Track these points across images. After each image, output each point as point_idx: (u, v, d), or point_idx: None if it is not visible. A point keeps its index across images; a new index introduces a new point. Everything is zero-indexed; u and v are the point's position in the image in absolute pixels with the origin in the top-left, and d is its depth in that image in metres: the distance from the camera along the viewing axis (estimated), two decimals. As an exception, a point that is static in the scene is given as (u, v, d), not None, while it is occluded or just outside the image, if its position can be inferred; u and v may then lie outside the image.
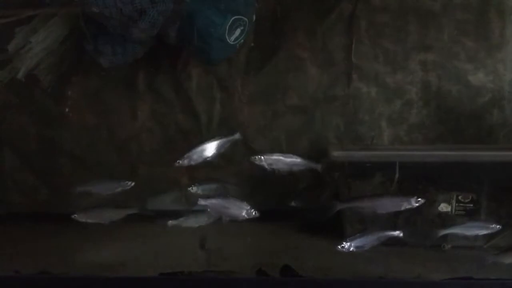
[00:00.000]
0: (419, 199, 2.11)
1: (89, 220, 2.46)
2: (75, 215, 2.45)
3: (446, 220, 2.52)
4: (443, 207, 2.54)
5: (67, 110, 3.01)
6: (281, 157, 2.22)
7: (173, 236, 2.57)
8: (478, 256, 2.40)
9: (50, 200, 3.10)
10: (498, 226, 2.25)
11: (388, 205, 2.15)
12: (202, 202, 2.20)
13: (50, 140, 3.07)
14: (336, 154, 2.65)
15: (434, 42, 2.86)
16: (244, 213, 2.16)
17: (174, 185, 3.00)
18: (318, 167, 2.28)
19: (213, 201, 2.21)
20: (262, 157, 2.20)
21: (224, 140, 2.25)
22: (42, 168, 3.10)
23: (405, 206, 2.13)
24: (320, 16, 2.91)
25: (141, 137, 3.06)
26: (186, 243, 2.48)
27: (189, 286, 1.98)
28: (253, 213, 2.16)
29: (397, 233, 2.14)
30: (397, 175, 2.42)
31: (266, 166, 2.20)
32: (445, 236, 2.42)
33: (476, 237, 2.48)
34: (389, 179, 2.52)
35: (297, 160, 2.23)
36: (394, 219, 2.55)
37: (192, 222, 2.38)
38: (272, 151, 2.93)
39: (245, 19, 2.65)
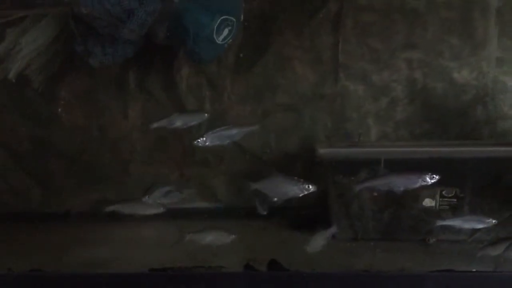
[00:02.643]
0: (433, 175, 2.08)
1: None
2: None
3: (430, 214, 2.58)
4: (428, 202, 2.59)
5: (59, 110, 3.04)
6: (221, 132, 2.22)
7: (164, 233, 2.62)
8: (462, 249, 2.47)
9: (42, 200, 3.13)
10: (494, 221, 2.27)
11: (402, 182, 2.12)
12: (254, 186, 2.21)
13: (42, 140, 3.09)
14: (323, 151, 2.70)
15: (419, 41, 2.90)
16: (298, 189, 2.12)
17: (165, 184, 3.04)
18: (255, 128, 2.34)
19: (264, 183, 2.20)
20: (204, 138, 2.18)
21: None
22: (34, 168, 3.12)
23: (419, 183, 2.10)
24: (307, 15, 2.94)
25: (133, 136, 3.09)
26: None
27: (178, 281, 2.02)
28: (309, 188, 2.10)
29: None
30: (381, 172, 2.46)
31: (211, 145, 2.20)
32: (430, 230, 2.49)
33: (461, 230, 2.54)
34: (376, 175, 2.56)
35: (235, 130, 2.23)
36: (380, 214, 2.62)
37: None
38: (262, 148, 3.05)
39: (233, 19, 2.69)
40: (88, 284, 2.08)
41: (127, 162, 3.10)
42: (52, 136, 3.08)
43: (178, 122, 2.36)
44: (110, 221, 2.84)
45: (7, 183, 3.12)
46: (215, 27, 2.63)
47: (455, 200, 2.59)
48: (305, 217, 2.70)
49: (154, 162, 3.10)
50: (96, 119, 3.07)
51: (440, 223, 2.39)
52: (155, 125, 2.39)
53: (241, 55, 2.95)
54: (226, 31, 2.70)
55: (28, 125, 3.07)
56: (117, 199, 2.99)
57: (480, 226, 2.32)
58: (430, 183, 2.09)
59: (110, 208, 2.36)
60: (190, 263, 2.06)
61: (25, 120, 3.06)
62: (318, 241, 2.19)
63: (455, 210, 2.58)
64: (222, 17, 2.63)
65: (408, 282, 1.99)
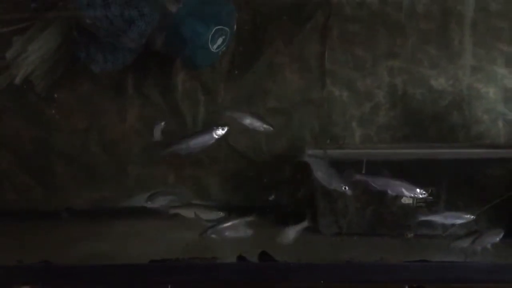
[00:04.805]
0: (424, 191, 2.22)
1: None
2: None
3: (408, 211, 2.73)
4: (405, 200, 2.71)
5: (61, 113, 3.13)
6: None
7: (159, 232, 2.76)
8: (438, 243, 2.63)
9: (44, 198, 3.22)
10: (472, 217, 2.40)
11: (397, 188, 2.22)
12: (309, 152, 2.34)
13: (44, 141, 3.17)
14: (311, 152, 2.84)
15: (400, 50, 3.03)
16: (333, 182, 2.22)
17: (161, 184, 3.17)
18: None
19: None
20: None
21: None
22: (37, 168, 3.21)
23: (411, 193, 2.21)
24: (296, 25, 3.06)
25: (130, 138, 3.18)
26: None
27: (177, 271, 2.15)
28: (343, 188, 2.20)
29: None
30: (363, 172, 2.61)
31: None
32: (408, 225, 2.65)
33: (437, 226, 2.70)
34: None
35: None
36: (362, 211, 2.78)
37: None
38: (254, 150, 3.18)
39: (227, 28, 2.81)
40: (92, 274, 2.13)
41: (126, 163, 3.19)
42: (54, 138, 3.16)
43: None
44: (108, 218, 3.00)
45: (11, 183, 3.20)
46: (210, 36, 2.76)
47: (431, 198, 2.74)
48: (294, 213, 2.84)
49: (151, 163, 3.20)
50: (96, 121, 3.16)
51: (421, 218, 2.50)
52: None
53: (236, 72, 3.05)
54: (220, 40, 2.83)
55: (31, 127, 3.15)
56: (116, 199, 3.18)
57: (459, 221, 2.44)
58: (419, 196, 2.24)
59: (174, 211, 2.45)
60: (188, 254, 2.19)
61: (29, 123, 3.14)
62: (289, 234, 2.35)
63: (430, 207, 2.72)
64: (216, 27, 2.75)
65: (386, 271, 2.13)
